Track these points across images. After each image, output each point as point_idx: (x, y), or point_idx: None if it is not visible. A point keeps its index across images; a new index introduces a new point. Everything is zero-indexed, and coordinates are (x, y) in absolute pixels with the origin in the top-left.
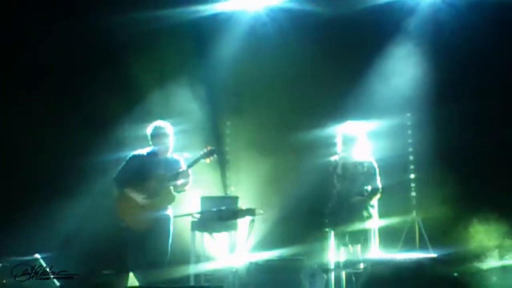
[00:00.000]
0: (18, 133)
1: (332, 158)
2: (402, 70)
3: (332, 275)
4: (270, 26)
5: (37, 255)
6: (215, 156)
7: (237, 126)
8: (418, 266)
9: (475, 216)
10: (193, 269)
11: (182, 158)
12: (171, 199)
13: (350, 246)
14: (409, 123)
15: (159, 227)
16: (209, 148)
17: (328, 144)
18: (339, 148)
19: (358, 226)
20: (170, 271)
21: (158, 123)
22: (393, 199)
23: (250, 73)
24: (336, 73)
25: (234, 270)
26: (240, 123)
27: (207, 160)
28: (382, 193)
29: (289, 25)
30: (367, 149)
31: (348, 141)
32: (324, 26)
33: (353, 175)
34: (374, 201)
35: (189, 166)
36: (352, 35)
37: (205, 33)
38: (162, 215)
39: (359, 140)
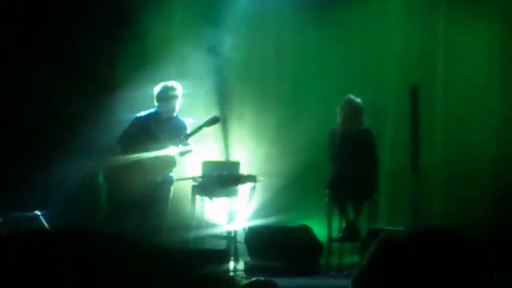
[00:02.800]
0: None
1: (333, 128)
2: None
3: (333, 246)
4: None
5: (37, 212)
6: (218, 123)
7: (242, 94)
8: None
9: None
10: (194, 233)
11: (187, 122)
12: (173, 163)
13: (352, 216)
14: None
15: (161, 191)
16: (213, 115)
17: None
18: (340, 117)
19: (360, 197)
20: (171, 234)
21: (169, 83)
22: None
23: (258, 43)
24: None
25: (233, 235)
26: (245, 91)
27: (210, 128)
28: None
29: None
30: (364, 120)
31: (351, 111)
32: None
33: (353, 144)
34: (376, 170)
35: (192, 133)
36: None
37: None
38: (166, 177)
39: (362, 111)
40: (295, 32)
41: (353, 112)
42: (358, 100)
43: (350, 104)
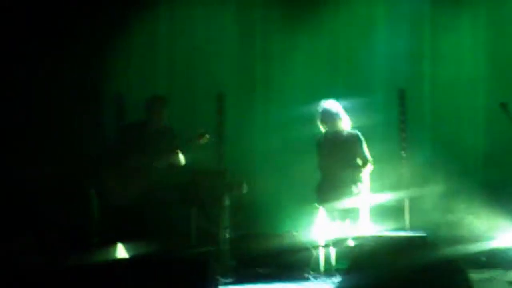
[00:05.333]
0: None
1: (318, 135)
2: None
3: (321, 251)
4: None
5: None
6: (207, 136)
7: (232, 97)
8: (410, 244)
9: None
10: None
11: (172, 130)
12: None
13: (339, 221)
14: (401, 100)
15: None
16: (201, 130)
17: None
18: (321, 127)
19: (347, 202)
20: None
21: (156, 94)
22: (385, 177)
23: (246, 46)
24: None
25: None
26: (234, 93)
27: (200, 141)
28: (374, 164)
29: None
30: (348, 123)
31: (329, 118)
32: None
33: (340, 149)
34: (366, 174)
35: (183, 148)
36: None
37: None
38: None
39: (340, 116)
40: (283, 35)
41: (327, 120)
42: (333, 104)
43: (324, 112)
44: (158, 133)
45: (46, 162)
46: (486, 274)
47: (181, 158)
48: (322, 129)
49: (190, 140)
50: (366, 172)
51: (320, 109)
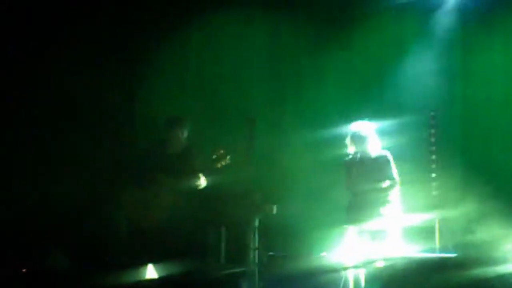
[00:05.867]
0: None
1: (347, 156)
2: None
3: (350, 272)
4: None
5: None
6: (228, 159)
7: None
8: (442, 265)
9: (497, 218)
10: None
11: (191, 150)
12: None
13: (369, 242)
14: (432, 121)
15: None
16: (221, 151)
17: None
18: (350, 149)
19: (376, 223)
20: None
21: (170, 115)
22: (415, 198)
23: (278, 66)
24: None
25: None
26: (263, 114)
27: (219, 165)
28: (401, 185)
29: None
30: (378, 145)
31: (358, 140)
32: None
33: (367, 171)
34: (395, 195)
35: (203, 168)
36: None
37: None
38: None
39: (370, 138)
40: (314, 56)
41: (356, 143)
42: (363, 125)
43: (353, 134)
44: (176, 155)
45: (76, 183)
46: None
47: (202, 180)
48: (351, 150)
49: (210, 162)
50: (395, 193)
51: (349, 131)
